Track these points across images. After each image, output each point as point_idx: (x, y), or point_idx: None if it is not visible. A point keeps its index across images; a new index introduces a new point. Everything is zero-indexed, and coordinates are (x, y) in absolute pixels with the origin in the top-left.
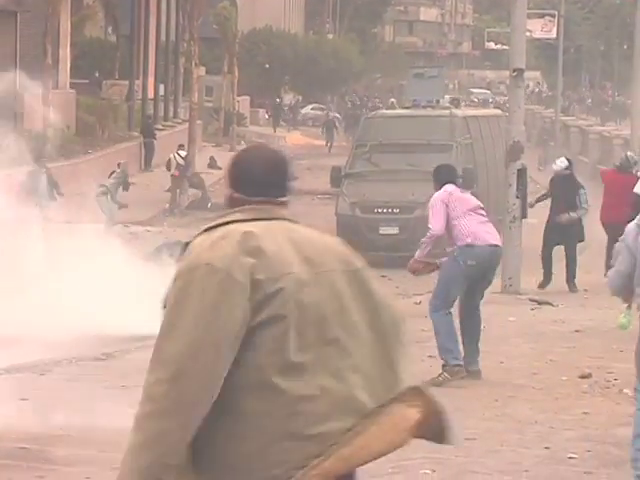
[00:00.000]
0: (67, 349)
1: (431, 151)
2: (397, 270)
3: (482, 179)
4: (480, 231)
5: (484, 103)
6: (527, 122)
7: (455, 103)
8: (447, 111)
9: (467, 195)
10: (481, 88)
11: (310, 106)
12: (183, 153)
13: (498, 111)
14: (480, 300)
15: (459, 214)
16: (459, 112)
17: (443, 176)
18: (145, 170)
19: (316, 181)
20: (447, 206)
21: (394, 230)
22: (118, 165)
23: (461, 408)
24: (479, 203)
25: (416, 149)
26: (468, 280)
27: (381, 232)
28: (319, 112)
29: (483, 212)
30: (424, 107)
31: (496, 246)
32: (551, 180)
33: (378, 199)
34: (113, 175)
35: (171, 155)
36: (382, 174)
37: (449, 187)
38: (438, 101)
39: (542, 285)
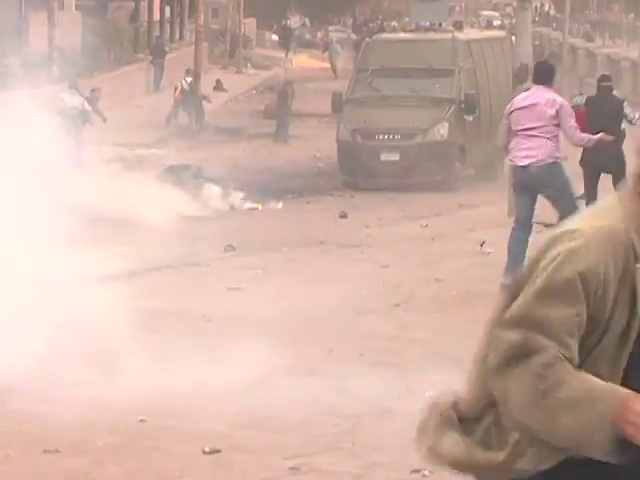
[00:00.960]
0: None
1: (433, 76)
2: (402, 193)
3: (485, 104)
4: None
5: (489, 25)
6: (535, 45)
7: (458, 26)
8: (449, 35)
9: None
10: (488, 10)
11: (332, 27)
12: (189, 79)
13: (502, 33)
14: None
15: None
16: (462, 35)
17: (549, 74)
18: (154, 91)
19: (322, 104)
20: None
21: (395, 157)
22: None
23: (467, 330)
24: None
25: (418, 74)
26: None
27: (382, 159)
28: (342, 34)
29: None
30: (426, 31)
31: None
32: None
33: (379, 125)
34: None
35: (182, 81)
36: (383, 100)
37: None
38: (441, 24)
39: None
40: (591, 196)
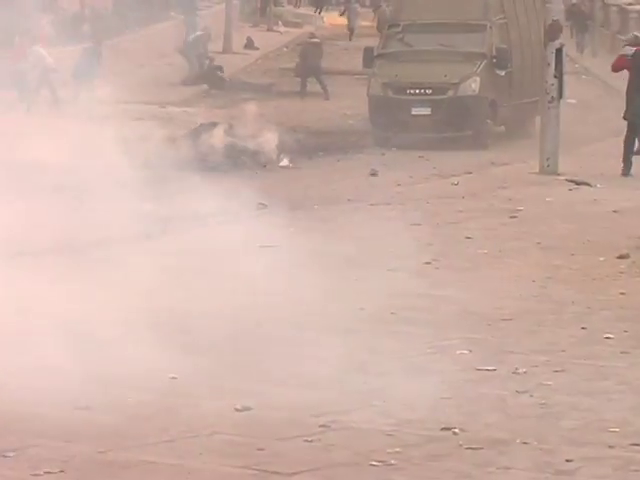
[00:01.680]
0: None
1: (464, 31)
2: (433, 151)
3: (517, 59)
4: None
5: None
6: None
7: None
8: None
9: None
10: None
11: None
12: (199, 33)
13: None
14: None
15: None
16: None
17: None
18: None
19: (352, 61)
20: None
21: (426, 111)
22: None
23: (498, 289)
24: None
25: (449, 29)
26: None
27: (413, 113)
28: None
29: None
30: None
31: None
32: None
33: (410, 80)
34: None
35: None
36: (414, 54)
37: None
38: None
39: (625, 172)
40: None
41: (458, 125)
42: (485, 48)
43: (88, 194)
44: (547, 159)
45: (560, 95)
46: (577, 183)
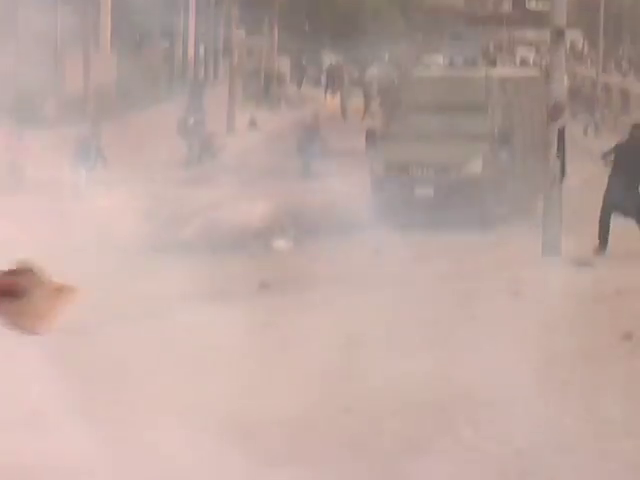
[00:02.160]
0: None
1: (467, 112)
2: (435, 231)
3: (518, 141)
4: None
5: (523, 63)
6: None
7: (492, 63)
8: (483, 72)
9: None
10: (523, 48)
11: (376, 66)
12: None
13: (536, 71)
14: None
15: None
16: (495, 72)
17: None
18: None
19: (356, 141)
20: None
21: (429, 191)
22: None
23: (501, 369)
24: None
25: (452, 110)
26: None
27: (416, 193)
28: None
29: None
30: (460, 67)
31: None
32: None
33: (413, 160)
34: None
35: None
36: (417, 135)
37: None
38: (474, 61)
39: (598, 251)
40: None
41: (461, 206)
42: (488, 129)
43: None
44: (549, 239)
45: (562, 175)
46: (580, 264)
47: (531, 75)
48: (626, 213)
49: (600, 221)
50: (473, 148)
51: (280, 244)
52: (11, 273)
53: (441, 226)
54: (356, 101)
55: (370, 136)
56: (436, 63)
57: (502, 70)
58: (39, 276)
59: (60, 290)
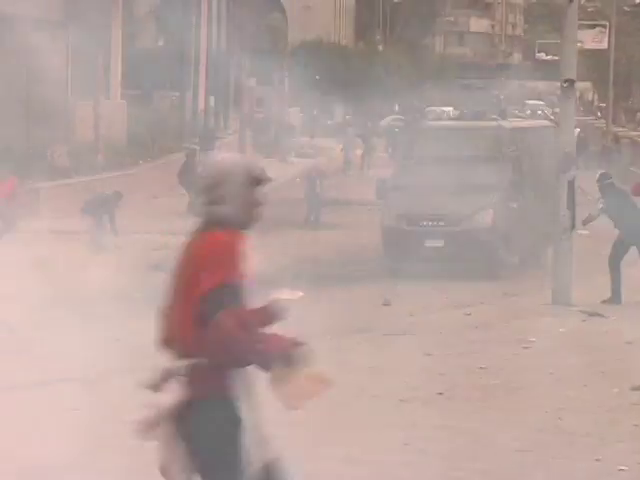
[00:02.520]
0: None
1: (477, 163)
2: (445, 281)
3: (529, 191)
4: None
5: (533, 114)
6: (579, 134)
7: (502, 114)
8: (494, 123)
9: None
10: (533, 99)
11: (390, 117)
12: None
13: (546, 122)
14: None
15: None
16: (506, 124)
17: None
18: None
19: (364, 192)
20: None
21: (440, 243)
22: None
23: (511, 420)
24: None
25: (462, 161)
26: None
27: (427, 244)
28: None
29: None
30: (471, 118)
31: None
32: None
33: (424, 211)
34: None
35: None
36: (428, 186)
37: None
38: (485, 112)
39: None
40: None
41: (471, 257)
42: (498, 180)
43: (108, 319)
44: (560, 290)
45: (572, 226)
46: (590, 314)
47: (542, 125)
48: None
49: (612, 271)
50: (484, 199)
51: (287, 294)
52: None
53: (451, 276)
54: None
55: (380, 187)
56: (447, 113)
57: (513, 121)
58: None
59: (318, 378)
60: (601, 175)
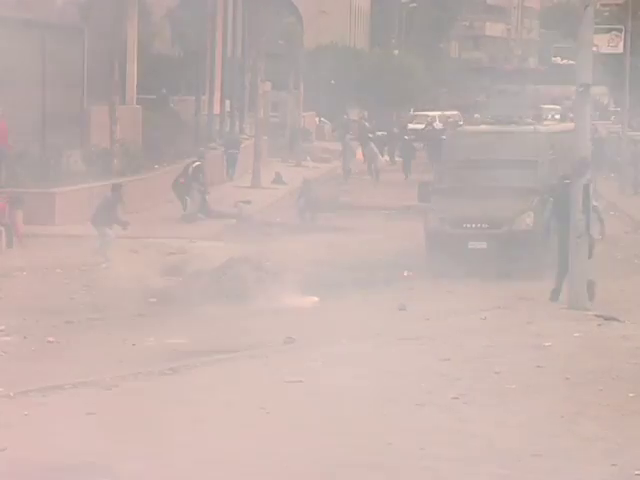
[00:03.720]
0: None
1: (517, 167)
2: (462, 286)
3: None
4: None
5: (538, 118)
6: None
7: (537, 118)
8: (531, 127)
9: None
10: (550, 104)
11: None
12: (195, 164)
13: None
14: None
15: None
16: (542, 128)
17: None
18: (228, 179)
19: (379, 196)
20: None
21: (482, 245)
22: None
23: (526, 424)
24: None
25: (502, 165)
26: None
27: (470, 246)
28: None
29: None
30: (507, 123)
31: None
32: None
33: (467, 214)
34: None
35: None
36: (470, 190)
37: None
38: (520, 117)
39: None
40: None
41: (513, 258)
42: (537, 184)
43: (116, 326)
44: (575, 294)
45: (587, 231)
46: (606, 318)
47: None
48: None
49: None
50: (524, 202)
51: (305, 299)
52: None
53: (492, 278)
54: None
55: (423, 190)
56: (432, 118)
57: (548, 125)
58: None
59: None
60: None
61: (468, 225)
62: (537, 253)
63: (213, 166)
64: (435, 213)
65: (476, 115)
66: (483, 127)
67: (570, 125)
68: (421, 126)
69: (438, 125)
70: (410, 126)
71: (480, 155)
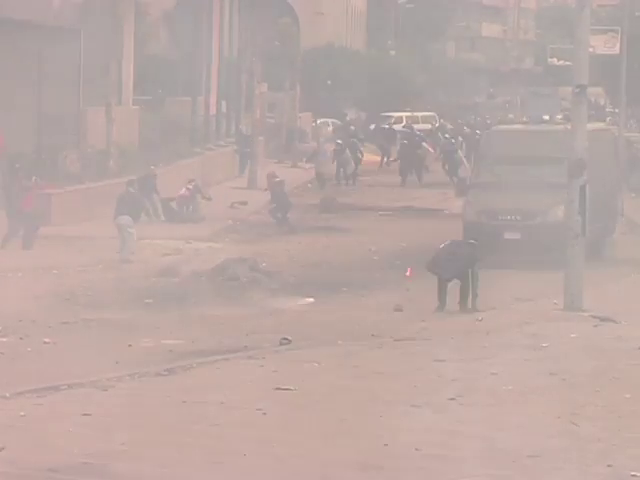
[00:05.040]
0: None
1: (548, 164)
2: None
3: (591, 190)
4: None
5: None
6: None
7: (567, 118)
8: (562, 126)
9: None
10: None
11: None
12: (190, 185)
13: (605, 125)
14: None
15: None
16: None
17: None
18: (239, 176)
19: (376, 198)
20: None
21: (517, 235)
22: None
23: (523, 425)
24: None
25: (534, 162)
26: None
27: (505, 237)
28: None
29: None
30: (540, 122)
31: None
32: None
33: (502, 207)
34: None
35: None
36: (505, 184)
37: None
38: (552, 117)
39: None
40: None
41: (545, 248)
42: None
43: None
44: (571, 295)
45: (584, 232)
46: (602, 319)
47: (601, 128)
48: None
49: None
50: (557, 196)
51: (301, 300)
52: None
53: (526, 266)
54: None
55: (461, 185)
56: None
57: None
58: None
59: None
60: None
61: (503, 217)
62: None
63: (221, 164)
64: (473, 206)
65: (510, 115)
66: (517, 126)
67: (598, 125)
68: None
69: (397, 126)
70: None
71: (514, 152)
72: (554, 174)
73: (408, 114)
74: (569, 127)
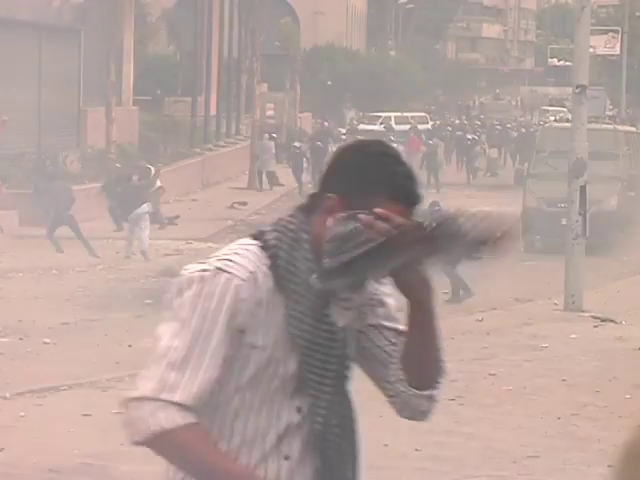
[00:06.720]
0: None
1: (600, 159)
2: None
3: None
4: None
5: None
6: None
7: (613, 119)
8: (611, 126)
9: None
10: (551, 106)
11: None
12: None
13: (633, 128)
14: None
15: None
16: (620, 127)
17: None
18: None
19: None
20: None
21: None
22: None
23: (523, 426)
24: None
25: (588, 156)
26: None
27: (563, 223)
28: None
29: None
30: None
31: None
32: None
33: (560, 195)
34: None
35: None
36: (560, 175)
37: None
38: (599, 117)
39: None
40: None
41: (598, 235)
42: (619, 173)
43: (101, 329)
44: (572, 295)
45: (584, 232)
46: (602, 320)
47: (634, 130)
48: None
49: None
50: (609, 187)
51: None
52: None
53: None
54: None
55: (518, 175)
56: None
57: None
58: None
59: None
60: None
61: (562, 204)
62: (618, 231)
63: (221, 164)
64: (533, 193)
65: (521, 118)
66: (569, 124)
67: (630, 127)
68: (373, 127)
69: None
70: (361, 127)
71: (567, 147)
72: (606, 168)
73: (397, 114)
74: (617, 127)
